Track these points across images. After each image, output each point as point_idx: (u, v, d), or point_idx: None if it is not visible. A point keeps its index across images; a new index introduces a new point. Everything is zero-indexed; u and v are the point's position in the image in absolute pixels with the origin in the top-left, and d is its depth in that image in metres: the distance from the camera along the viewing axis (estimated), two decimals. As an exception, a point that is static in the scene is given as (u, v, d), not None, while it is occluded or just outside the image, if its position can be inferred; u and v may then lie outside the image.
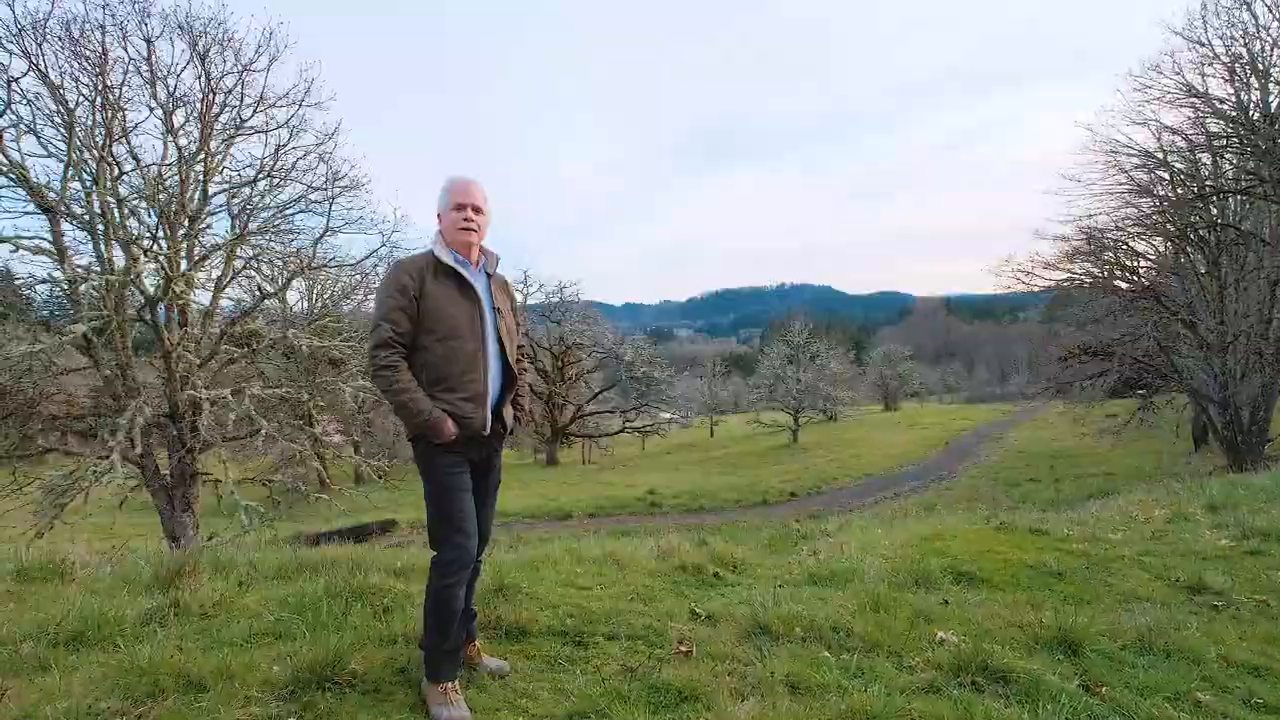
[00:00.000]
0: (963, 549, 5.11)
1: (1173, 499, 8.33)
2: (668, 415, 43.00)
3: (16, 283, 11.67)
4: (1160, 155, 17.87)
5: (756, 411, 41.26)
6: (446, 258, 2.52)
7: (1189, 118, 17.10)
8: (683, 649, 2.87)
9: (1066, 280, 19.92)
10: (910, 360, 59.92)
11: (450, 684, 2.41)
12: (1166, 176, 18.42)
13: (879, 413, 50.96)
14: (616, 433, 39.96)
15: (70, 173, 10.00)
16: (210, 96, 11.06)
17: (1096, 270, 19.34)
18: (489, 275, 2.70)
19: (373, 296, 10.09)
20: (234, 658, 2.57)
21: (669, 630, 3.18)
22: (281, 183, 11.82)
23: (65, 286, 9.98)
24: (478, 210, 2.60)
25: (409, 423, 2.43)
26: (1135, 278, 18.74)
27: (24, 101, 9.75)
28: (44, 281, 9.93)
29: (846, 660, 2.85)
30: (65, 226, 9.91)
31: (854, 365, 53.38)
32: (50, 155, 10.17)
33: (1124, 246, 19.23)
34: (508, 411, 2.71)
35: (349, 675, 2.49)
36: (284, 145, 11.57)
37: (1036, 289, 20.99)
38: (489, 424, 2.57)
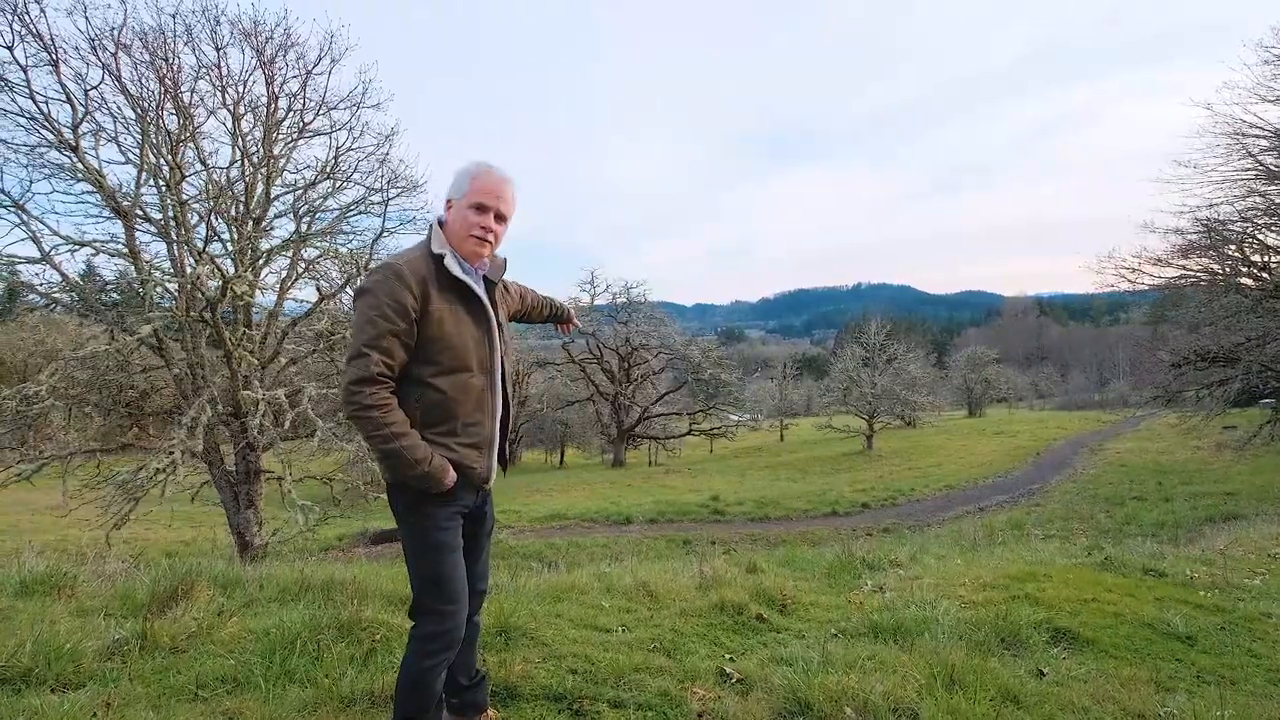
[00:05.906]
0: (1060, 594, 4.30)
1: (1322, 534, 7.08)
2: (736, 418, 42.06)
3: (109, 285, 12.28)
4: (1296, 135, 15.74)
5: (829, 415, 39.51)
6: (456, 268, 2.00)
7: (1333, 91, 14.97)
8: (697, 734, 2.31)
9: (1180, 278, 17.89)
10: (997, 363, 56.32)
11: None
12: (1304, 159, 16.22)
13: (962, 419, 48.13)
14: (683, 435, 39.38)
15: (144, 177, 10.34)
16: (275, 101, 11.26)
17: (1217, 266, 17.25)
18: (488, 281, 2.18)
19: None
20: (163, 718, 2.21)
21: (689, 698, 2.64)
22: (343, 184, 11.93)
23: (139, 287, 10.34)
24: (501, 219, 2.08)
25: (402, 473, 1.92)
26: (1265, 275, 16.57)
27: (101, 108, 10.14)
28: (110, 283, 10.33)
29: (909, 762, 2.22)
30: (138, 230, 10.25)
31: (935, 368, 50.66)
32: (128, 162, 10.57)
33: (1251, 240, 17.04)
34: (507, 451, 2.28)
35: (286, 751, 2.08)
36: (343, 147, 11.67)
37: (1144, 287, 18.98)
38: (493, 474, 2.16)
